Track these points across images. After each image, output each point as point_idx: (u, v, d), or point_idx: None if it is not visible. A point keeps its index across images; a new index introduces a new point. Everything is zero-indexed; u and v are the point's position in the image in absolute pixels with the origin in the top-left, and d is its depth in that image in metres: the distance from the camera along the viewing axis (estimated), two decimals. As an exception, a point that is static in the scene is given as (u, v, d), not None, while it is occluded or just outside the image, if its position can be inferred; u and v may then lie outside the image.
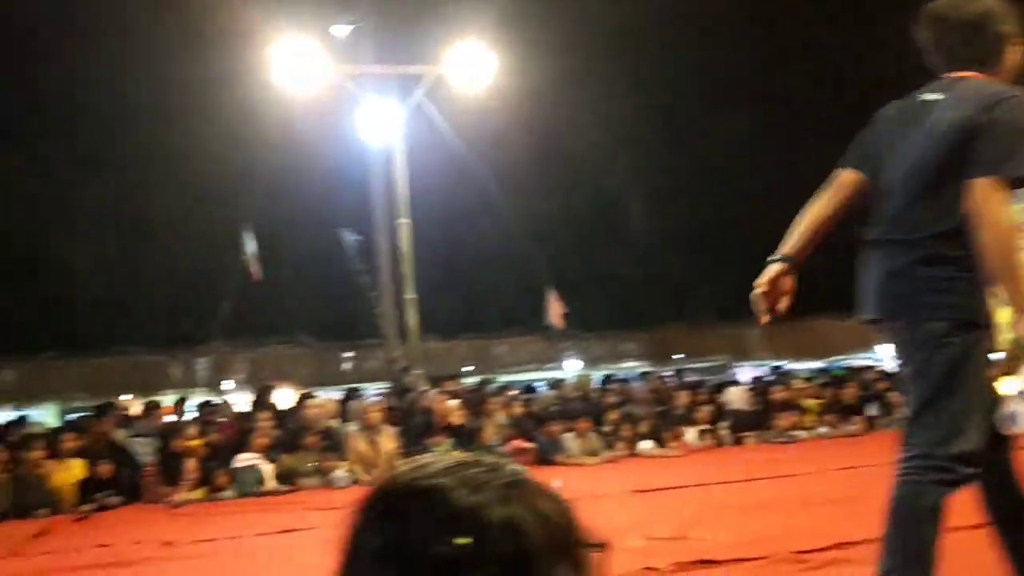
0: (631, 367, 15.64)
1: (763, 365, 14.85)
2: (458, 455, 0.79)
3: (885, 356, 11.75)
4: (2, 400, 13.13)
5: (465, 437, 7.99)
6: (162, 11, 14.81)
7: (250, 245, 11.09)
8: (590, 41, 16.01)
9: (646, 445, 8.82)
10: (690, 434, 9.26)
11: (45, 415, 12.15)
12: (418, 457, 0.81)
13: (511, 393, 9.76)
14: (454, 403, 8.61)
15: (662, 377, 11.33)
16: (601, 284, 17.42)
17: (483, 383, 10.79)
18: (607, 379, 11.30)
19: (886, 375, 10.38)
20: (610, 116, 17.06)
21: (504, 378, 13.63)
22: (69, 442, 7.77)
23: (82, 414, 10.77)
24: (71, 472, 7.51)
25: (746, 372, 14.77)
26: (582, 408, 9.30)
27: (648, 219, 18.15)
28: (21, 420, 9.48)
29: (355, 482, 7.50)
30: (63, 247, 15.50)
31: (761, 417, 9.67)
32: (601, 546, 0.77)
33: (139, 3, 14.91)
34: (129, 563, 4.76)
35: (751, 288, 2.48)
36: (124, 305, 15.80)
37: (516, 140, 15.28)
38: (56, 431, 8.67)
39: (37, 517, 6.86)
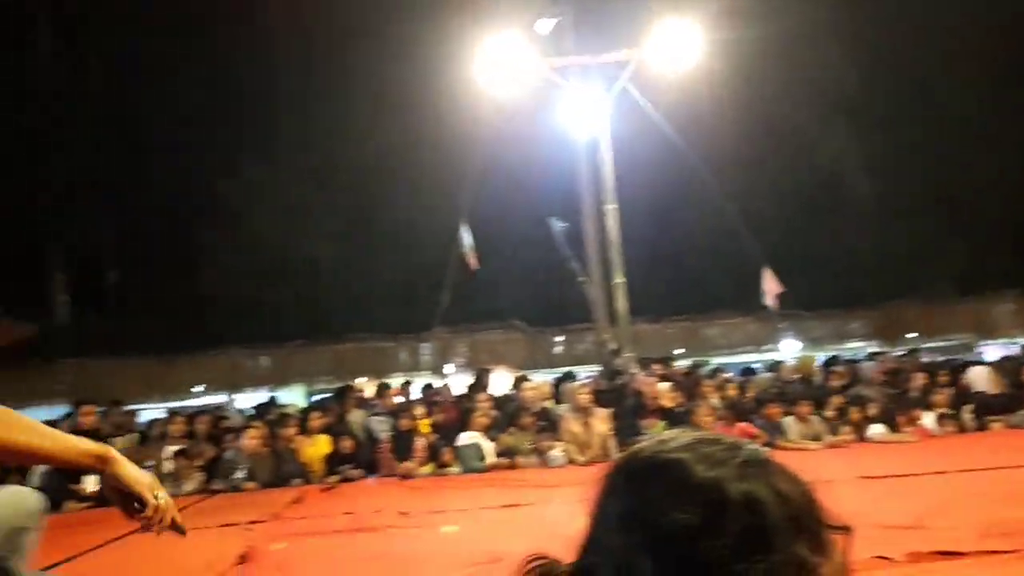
0: (857, 347, 14.63)
1: (1014, 343, 13.27)
2: (699, 433, 0.82)
3: None
4: (258, 383, 14.78)
5: (677, 420, 7.90)
6: (379, 23, 15.94)
7: (467, 238, 11.63)
8: (800, 5, 15.09)
9: (877, 430, 8.21)
10: (927, 419, 8.51)
11: (294, 396, 13.49)
12: (661, 433, 0.84)
13: (725, 375, 9.51)
14: (665, 385, 8.54)
15: (897, 357, 10.51)
16: (822, 261, 16.38)
17: (695, 366, 10.60)
18: (831, 360, 10.66)
19: None
20: (826, 85, 16.02)
21: (717, 360, 13.32)
22: (315, 420, 8.53)
23: (325, 395, 11.93)
24: (318, 447, 8.17)
25: (994, 351, 13.29)
26: (803, 391, 8.86)
27: (873, 189, 16.83)
28: (273, 401, 10.53)
29: (570, 462, 7.67)
30: (307, 248, 17.19)
31: (1010, 401, 8.68)
32: (843, 528, 0.77)
33: (359, 19, 16.12)
34: (373, 529, 5.13)
35: (994, 257, 2.25)
36: (360, 297, 17.22)
37: (724, 117, 14.79)
38: (305, 411, 9.44)
39: (292, 486, 7.48)
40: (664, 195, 16.40)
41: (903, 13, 15.42)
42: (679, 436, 0.81)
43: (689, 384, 9.02)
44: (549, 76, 10.65)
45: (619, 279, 10.57)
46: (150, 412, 12.27)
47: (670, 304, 16.16)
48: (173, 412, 9.25)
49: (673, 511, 0.73)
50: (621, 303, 10.63)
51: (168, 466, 7.69)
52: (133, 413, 9.83)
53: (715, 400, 8.55)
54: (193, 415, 9.17)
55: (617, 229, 10.56)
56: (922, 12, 15.25)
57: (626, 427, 7.78)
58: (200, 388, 14.65)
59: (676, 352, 13.52)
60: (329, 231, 17.34)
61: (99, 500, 7.02)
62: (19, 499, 1.84)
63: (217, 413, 10.27)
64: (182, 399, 14.08)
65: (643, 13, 10.67)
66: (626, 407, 8.15)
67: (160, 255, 17.82)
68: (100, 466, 1.57)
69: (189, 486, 7.59)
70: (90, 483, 7.22)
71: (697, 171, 12.37)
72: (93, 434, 7.60)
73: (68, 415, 7.72)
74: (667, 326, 14.82)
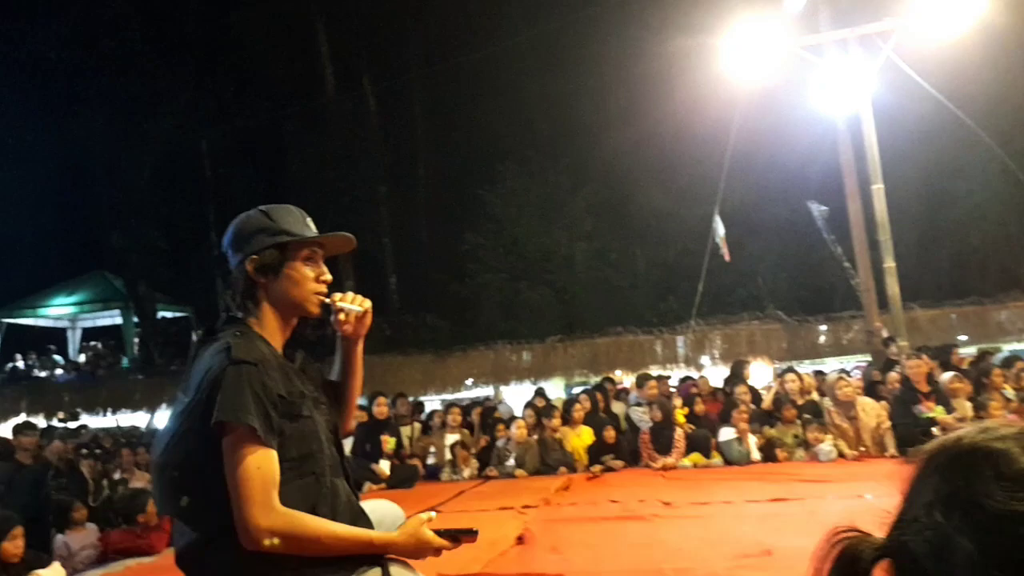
0: None
1: None
2: (1022, 426, 0.83)
3: None
4: (521, 376, 15.63)
5: (949, 407, 7.26)
6: (624, 17, 16.14)
7: (719, 228, 11.45)
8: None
9: None
10: None
11: (553, 389, 14.07)
12: (985, 422, 0.86)
13: (1020, 364, 8.48)
14: (947, 376, 7.83)
15: None
16: None
17: (982, 354, 9.58)
18: None
19: None
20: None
21: (1009, 348, 11.87)
22: (578, 411, 8.90)
23: (583, 388, 12.31)
24: (582, 438, 8.47)
25: None
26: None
27: None
28: (540, 391, 11.02)
29: (840, 455, 7.32)
30: (564, 245, 17.88)
31: None
32: None
33: (605, 15, 16.43)
34: (639, 517, 5.27)
35: None
36: (616, 291, 17.59)
37: (1002, 82, 13.12)
38: (568, 402, 9.88)
39: (558, 474, 7.80)
40: (937, 170, 14.91)
41: None
42: (1000, 427, 0.83)
43: (975, 374, 8.19)
44: (803, 54, 10.15)
45: (889, 262, 9.81)
46: (429, 403, 13.53)
47: (952, 288, 14.66)
48: (451, 404, 10.10)
49: (996, 498, 0.75)
50: (892, 288, 9.87)
51: (448, 454, 8.45)
52: (417, 404, 10.86)
53: (1009, 391, 7.69)
54: (468, 406, 9.95)
55: (885, 209, 9.81)
56: None
57: (903, 418, 7.27)
58: (469, 381, 15.79)
59: (960, 339, 12.26)
60: (583, 229, 17.87)
61: (390, 483, 7.94)
62: (391, 508, 2.19)
63: (488, 404, 11.05)
64: (454, 391, 15.28)
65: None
66: (901, 397, 7.59)
67: (431, 260, 19.52)
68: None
69: (467, 472, 8.28)
70: (385, 466, 8.17)
71: (975, 142, 11.13)
72: (385, 422, 8.58)
73: (366, 405, 8.68)
74: (948, 312, 13.41)
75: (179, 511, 1.87)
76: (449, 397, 13.93)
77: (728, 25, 10.12)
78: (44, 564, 4.52)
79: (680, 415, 8.47)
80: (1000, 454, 0.78)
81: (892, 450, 7.17)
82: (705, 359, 14.30)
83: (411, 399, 10.61)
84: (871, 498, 5.06)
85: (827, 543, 0.89)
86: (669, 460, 7.81)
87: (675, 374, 12.02)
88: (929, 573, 0.78)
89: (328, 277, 2.09)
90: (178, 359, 20.88)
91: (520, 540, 4.75)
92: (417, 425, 9.32)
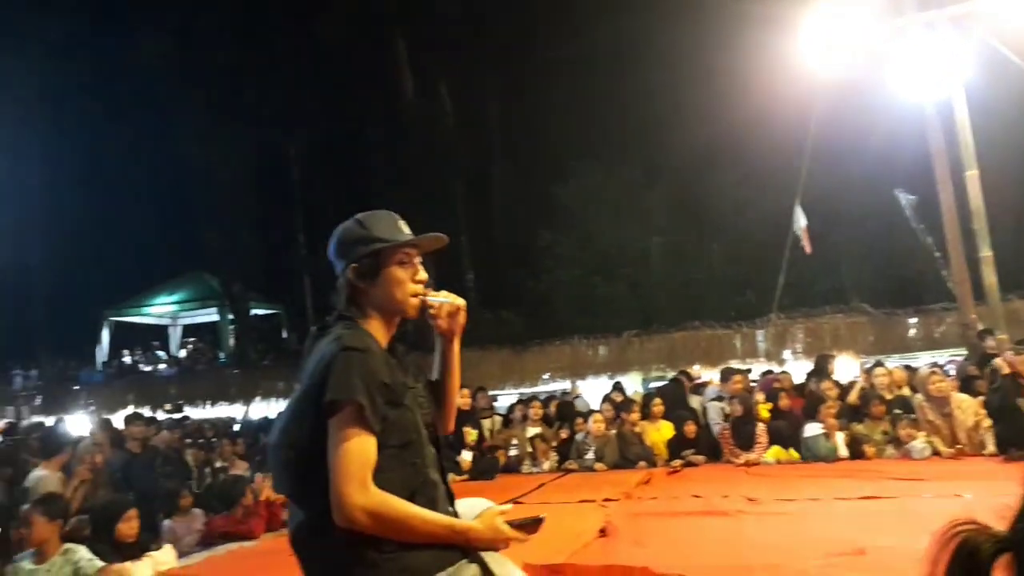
0: None
1: None
2: None
3: None
4: (598, 371, 15.61)
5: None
6: (698, 6, 15.91)
7: (801, 219, 11.19)
8: None
9: None
10: None
11: (631, 383, 14.02)
12: None
13: None
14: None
15: None
16: None
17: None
18: None
19: None
20: None
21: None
22: (657, 406, 8.87)
23: (661, 382, 12.24)
24: (662, 432, 8.44)
25: None
26: None
27: None
28: (618, 385, 11.02)
29: (935, 453, 7.07)
30: (638, 240, 17.78)
31: None
32: None
33: (678, 7, 16.26)
34: (723, 513, 5.22)
35: None
36: (693, 285, 17.39)
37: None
38: (647, 396, 9.83)
39: (637, 468, 7.82)
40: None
41: None
42: None
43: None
44: (888, 38, 9.82)
45: (986, 251, 9.41)
46: (506, 397, 13.67)
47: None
48: (531, 397, 10.20)
49: None
50: (989, 278, 9.46)
51: (528, 447, 8.54)
52: (494, 397, 11.00)
53: None
54: (546, 400, 10.02)
55: (980, 196, 9.41)
56: None
57: (1003, 414, 6.99)
58: (546, 376, 15.86)
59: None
60: (658, 223, 17.72)
61: (472, 475, 8.09)
62: (483, 505, 2.24)
63: (564, 398, 11.11)
64: (532, 385, 15.38)
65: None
66: (999, 393, 7.28)
67: (507, 257, 19.69)
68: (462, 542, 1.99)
69: (547, 465, 8.35)
70: (467, 457, 8.33)
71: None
72: (467, 414, 8.73)
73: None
74: (1049, 301, 12.74)
75: (291, 491, 2.01)
76: (527, 391, 14.03)
77: (810, 10, 9.87)
78: (156, 547, 4.79)
79: (763, 410, 8.34)
80: None
81: (992, 448, 6.89)
82: (787, 353, 14.01)
83: (491, 392, 10.74)
84: (970, 497, 4.89)
85: (944, 536, 0.84)
86: (752, 456, 7.71)
87: (755, 369, 11.82)
88: None
89: (423, 276, 2.20)
90: (270, 354, 21.77)
91: (603, 532, 4.80)
92: (497, 418, 9.44)
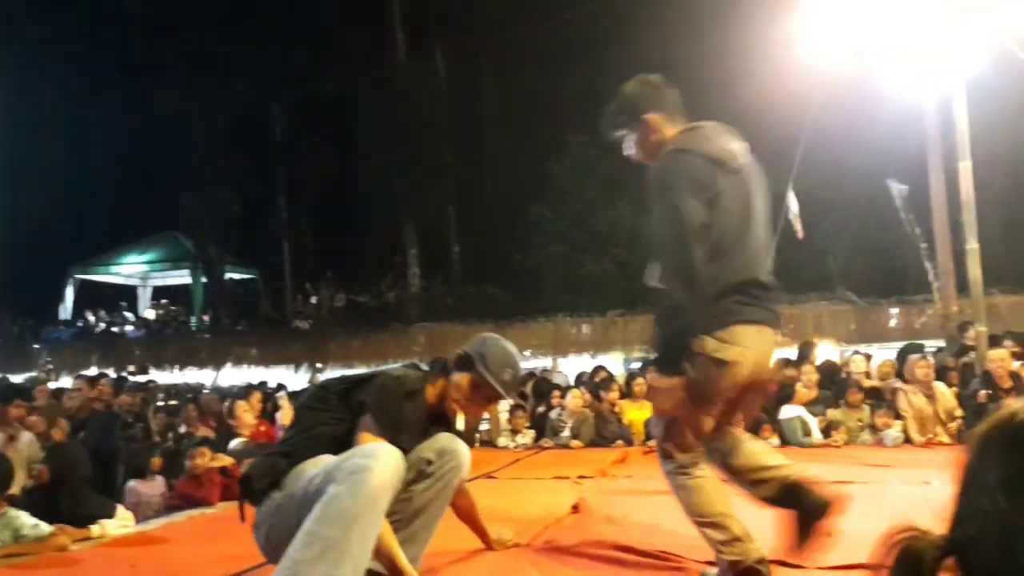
0: None
1: None
2: None
3: None
4: (580, 349, 15.60)
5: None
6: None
7: (793, 205, 11.15)
8: None
9: None
10: None
11: (612, 363, 14.00)
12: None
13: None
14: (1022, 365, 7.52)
15: None
16: None
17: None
18: None
19: None
20: None
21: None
22: (638, 386, 8.83)
23: (642, 362, 12.23)
24: (641, 412, 8.39)
25: None
26: None
27: None
28: (600, 368, 10.99)
29: (907, 441, 7.14)
30: (629, 220, 17.58)
31: None
32: None
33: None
34: None
35: None
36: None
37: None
38: (630, 376, 9.72)
39: (614, 447, 7.82)
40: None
41: None
42: None
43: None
44: (890, 27, 9.66)
45: (972, 244, 9.36)
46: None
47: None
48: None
49: None
50: (974, 271, 9.43)
51: (504, 420, 8.49)
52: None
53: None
54: (526, 376, 9.95)
55: (971, 188, 9.34)
56: None
57: (973, 408, 7.00)
58: (528, 352, 15.82)
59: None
60: (649, 203, 17.58)
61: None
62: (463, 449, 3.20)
63: (542, 375, 11.06)
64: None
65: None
66: (973, 386, 7.32)
67: (495, 231, 19.53)
68: None
69: (522, 440, 8.31)
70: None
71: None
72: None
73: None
74: (1030, 297, 12.85)
75: None
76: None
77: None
78: (110, 513, 4.63)
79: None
80: None
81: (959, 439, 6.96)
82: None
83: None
84: (938, 485, 4.92)
85: (885, 545, 0.83)
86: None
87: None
88: (998, 569, 0.71)
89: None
90: (244, 319, 21.46)
91: (575, 509, 4.76)
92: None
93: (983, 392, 7.13)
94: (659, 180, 2.77)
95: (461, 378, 3.01)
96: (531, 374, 10.84)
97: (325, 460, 2.54)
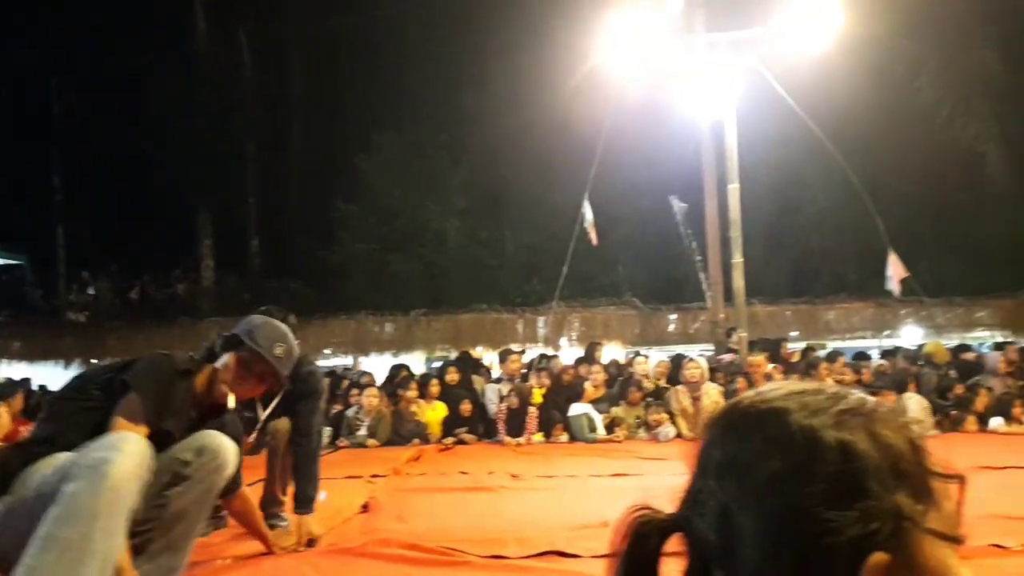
0: (982, 337, 13.90)
1: None
2: (803, 384, 0.80)
3: None
4: (382, 348, 15.51)
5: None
6: (508, 4, 16.20)
7: (588, 213, 11.77)
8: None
9: (997, 422, 7.99)
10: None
11: (414, 362, 14.09)
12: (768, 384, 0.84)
13: (841, 360, 9.35)
14: (773, 367, 8.53)
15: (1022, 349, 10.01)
16: (955, 247, 15.49)
17: (808, 348, 10.48)
18: (959, 349, 10.34)
19: None
20: (966, 63, 15.08)
21: (832, 345, 13.03)
22: (435, 386, 8.98)
23: (443, 362, 12.41)
24: (437, 411, 8.65)
25: None
26: (916, 376, 8.66)
27: (1010, 172, 15.74)
28: (401, 367, 11.01)
29: (678, 436, 7.83)
30: (436, 220, 17.80)
31: None
32: (955, 477, 0.74)
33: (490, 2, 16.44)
34: (487, 489, 5.43)
35: None
36: (484, 270, 17.74)
37: (855, 95, 14.19)
38: (425, 376, 9.88)
39: (411, 445, 7.95)
40: (788, 176, 16.00)
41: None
42: (782, 386, 0.80)
43: (802, 367, 8.94)
44: (677, 54, 10.48)
45: (738, 258, 10.44)
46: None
47: (790, 287, 15.80)
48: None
49: (766, 459, 0.72)
50: (738, 282, 10.53)
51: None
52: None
53: (829, 383, 8.42)
54: (326, 375, 9.77)
55: (738, 208, 10.42)
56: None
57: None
58: (328, 351, 15.50)
59: (792, 334, 13.28)
60: (457, 206, 17.88)
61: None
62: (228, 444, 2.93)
63: (341, 374, 10.93)
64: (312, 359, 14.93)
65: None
66: (734, 386, 8.19)
67: (298, 225, 18.94)
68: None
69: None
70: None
71: (824, 154, 12.03)
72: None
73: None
74: (784, 308, 14.50)
75: None
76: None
77: (610, 20, 10.32)
78: None
79: (538, 395, 8.70)
80: (773, 414, 0.75)
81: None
82: (563, 340, 14.72)
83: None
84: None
85: (621, 525, 0.83)
86: (521, 440, 8.09)
87: (535, 352, 12.34)
88: (714, 546, 0.75)
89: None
90: (6, 310, 19.21)
91: (365, 508, 4.77)
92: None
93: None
94: None
95: (229, 358, 2.87)
96: (331, 372, 10.69)
97: (60, 459, 2.35)
